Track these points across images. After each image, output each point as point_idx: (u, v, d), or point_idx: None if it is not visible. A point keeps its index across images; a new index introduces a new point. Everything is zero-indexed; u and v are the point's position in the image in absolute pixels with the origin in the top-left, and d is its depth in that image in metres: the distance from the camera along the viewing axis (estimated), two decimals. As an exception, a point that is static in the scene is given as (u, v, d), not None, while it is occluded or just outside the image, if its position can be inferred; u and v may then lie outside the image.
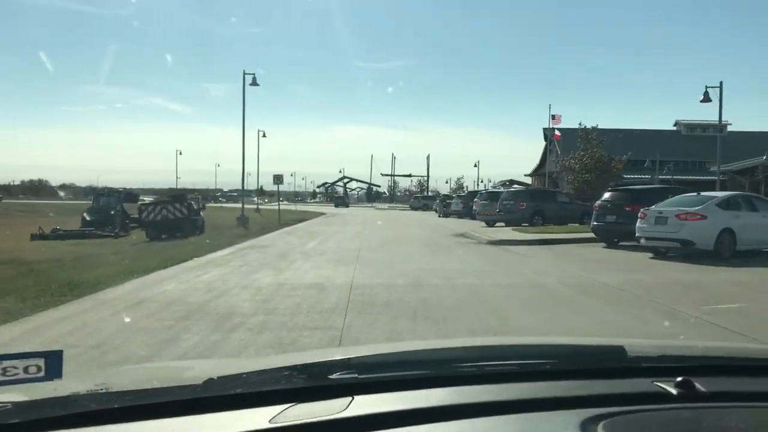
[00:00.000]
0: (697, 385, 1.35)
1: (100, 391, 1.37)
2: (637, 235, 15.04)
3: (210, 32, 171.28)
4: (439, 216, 44.84)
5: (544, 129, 73.63)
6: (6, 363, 1.32)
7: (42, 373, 1.36)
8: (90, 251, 18.14)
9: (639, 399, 1.33)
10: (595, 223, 18.19)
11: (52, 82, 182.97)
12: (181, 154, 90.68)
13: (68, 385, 1.42)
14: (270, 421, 1.18)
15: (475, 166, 76.44)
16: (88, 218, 32.67)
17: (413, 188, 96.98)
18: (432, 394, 1.32)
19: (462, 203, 41.01)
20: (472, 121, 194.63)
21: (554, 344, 2.25)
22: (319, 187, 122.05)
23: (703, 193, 15.62)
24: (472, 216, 39.03)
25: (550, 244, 18.34)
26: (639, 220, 14.97)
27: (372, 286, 9.94)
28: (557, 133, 61.62)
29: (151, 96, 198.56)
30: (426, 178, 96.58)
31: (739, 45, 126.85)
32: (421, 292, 9.33)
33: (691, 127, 71.93)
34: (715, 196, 14.87)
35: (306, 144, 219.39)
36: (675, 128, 73.11)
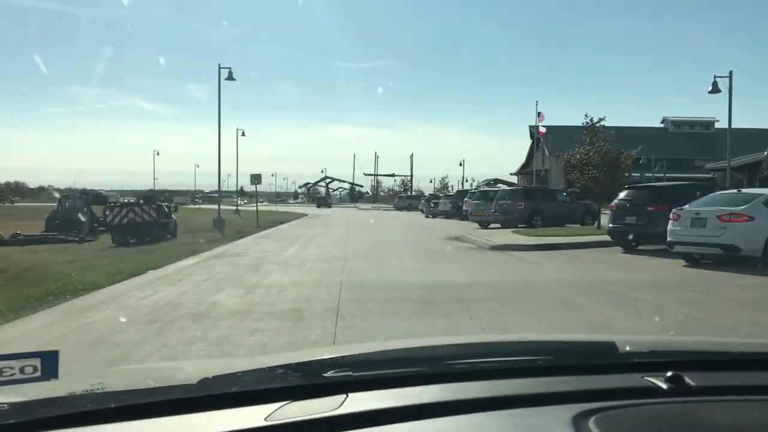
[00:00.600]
0: (687, 380, 1.35)
1: (97, 391, 1.35)
2: (669, 239, 12.81)
3: (192, 33, 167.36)
4: (426, 216, 42.55)
5: (530, 127, 71.88)
6: (2, 363, 1.30)
7: (38, 374, 1.34)
8: (45, 259, 15.86)
9: (629, 394, 1.31)
10: (612, 225, 15.96)
11: (31, 82, 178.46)
12: (158, 154, 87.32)
13: (64, 385, 1.40)
14: (266, 419, 1.17)
15: (461, 164, 74.22)
16: (52, 222, 30.65)
17: (397, 188, 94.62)
18: (425, 391, 1.32)
19: (450, 203, 38.76)
20: (455, 121, 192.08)
21: (545, 341, 2.21)
22: (300, 187, 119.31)
23: (743, 191, 13.48)
24: (461, 216, 36.85)
25: (559, 249, 16.09)
26: (671, 222, 12.74)
27: (364, 312, 7.58)
28: (542, 129, 59.97)
29: (133, 97, 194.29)
30: (410, 178, 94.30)
31: (723, 45, 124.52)
32: (431, 323, 7.02)
33: (679, 124, 70.44)
34: (760, 194, 12.64)
35: (288, 144, 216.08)
36: (662, 125, 71.59)
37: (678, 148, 66.03)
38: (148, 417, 1.21)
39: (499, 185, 74.41)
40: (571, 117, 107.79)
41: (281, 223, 35.57)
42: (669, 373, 1.36)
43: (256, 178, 33.71)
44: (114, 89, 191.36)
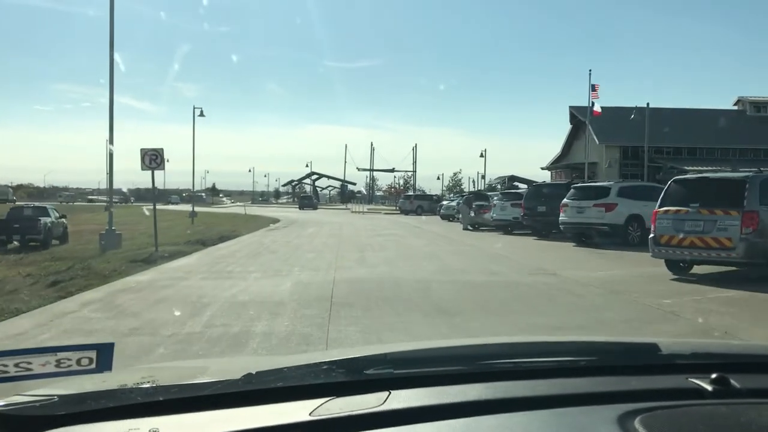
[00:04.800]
0: (733, 382, 1.28)
1: (147, 384, 1.32)
2: None
3: (178, 31, 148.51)
4: (465, 227, 25.04)
5: (572, 108, 54.40)
6: (61, 355, 1.28)
7: (93, 366, 1.30)
8: None
9: (675, 395, 1.26)
10: None
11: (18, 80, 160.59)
12: (112, 144, 69.19)
13: (117, 378, 1.38)
14: (310, 414, 1.15)
15: (482, 155, 56.44)
16: None
17: (397, 186, 77.08)
18: (468, 389, 1.27)
19: (514, 205, 21.42)
20: (450, 122, 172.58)
21: (589, 341, 2.07)
22: (284, 185, 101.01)
23: None
24: (538, 232, 19.81)
25: None
26: None
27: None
28: (597, 109, 42.86)
29: (122, 96, 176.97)
30: (412, 174, 76.80)
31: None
32: None
33: (760, 105, 53.46)
34: None
35: (278, 144, 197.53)
36: (736, 107, 54.74)
37: (762, 134, 49.20)
38: (195, 410, 1.18)
39: (516, 184, 57.36)
40: (617, 100, 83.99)
41: (214, 242, 18.49)
42: (714, 375, 1.29)
43: (153, 158, 16.17)
44: (101, 87, 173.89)
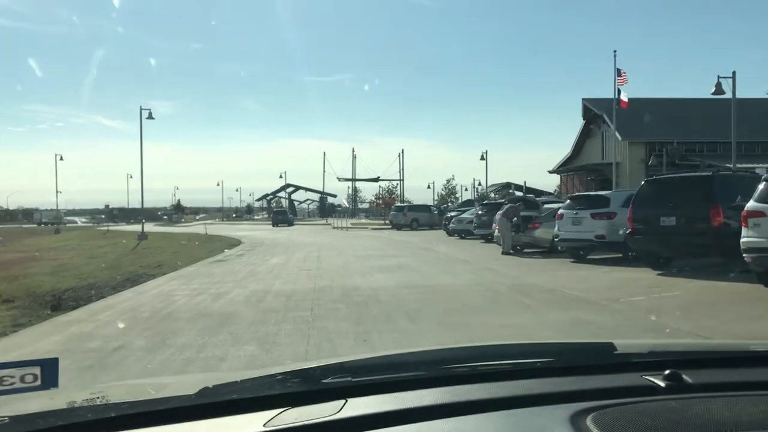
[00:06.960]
0: (685, 377, 1.29)
1: (97, 401, 1.27)
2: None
3: (151, 48, 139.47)
4: (506, 251, 16.28)
5: (585, 101, 46.10)
6: (3, 372, 1.19)
7: (38, 383, 1.22)
8: None
9: (628, 392, 1.26)
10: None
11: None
12: (62, 159, 58.82)
13: (65, 395, 1.32)
14: (265, 425, 1.11)
15: (482, 158, 47.94)
16: None
17: (384, 197, 68.32)
18: (425, 394, 1.24)
19: (608, 218, 12.97)
20: (437, 133, 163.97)
21: (544, 343, 2.14)
22: (258, 199, 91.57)
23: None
24: (655, 259, 11.41)
25: None
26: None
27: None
28: (624, 98, 34.53)
29: (95, 115, 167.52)
30: (399, 181, 68.16)
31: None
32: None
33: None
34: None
35: (254, 160, 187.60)
36: (770, 96, 47.03)
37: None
38: (148, 426, 1.13)
39: (518, 194, 49.11)
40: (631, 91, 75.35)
41: (101, 293, 10.59)
42: (666, 372, 1.29)
43: None
44: (74, 107, 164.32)
